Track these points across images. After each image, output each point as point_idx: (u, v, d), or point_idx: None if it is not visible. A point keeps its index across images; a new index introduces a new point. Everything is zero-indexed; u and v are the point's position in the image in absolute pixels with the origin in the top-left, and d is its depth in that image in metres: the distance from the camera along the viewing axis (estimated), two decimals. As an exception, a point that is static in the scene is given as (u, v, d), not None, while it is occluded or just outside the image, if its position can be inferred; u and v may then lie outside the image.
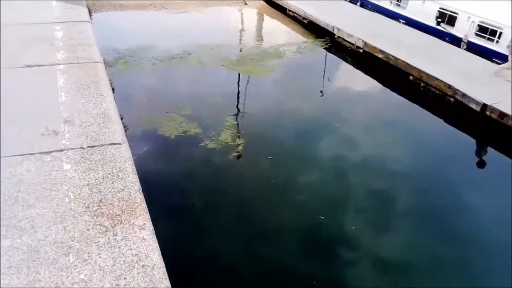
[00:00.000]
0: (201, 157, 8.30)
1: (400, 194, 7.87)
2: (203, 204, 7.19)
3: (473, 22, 13.91)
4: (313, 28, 16.36)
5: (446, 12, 15.02)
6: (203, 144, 8.62)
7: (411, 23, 15.98)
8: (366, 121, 10.27)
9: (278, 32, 16.84)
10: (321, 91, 11.90)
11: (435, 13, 15.39)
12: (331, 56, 14.62)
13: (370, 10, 17.84)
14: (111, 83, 7.09)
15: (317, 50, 14.79)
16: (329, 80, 12.71)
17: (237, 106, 10.52)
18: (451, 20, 14.87)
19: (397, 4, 17.11)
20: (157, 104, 10.06)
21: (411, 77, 12.12)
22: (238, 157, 8.41)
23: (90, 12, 10.02)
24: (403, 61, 12.35)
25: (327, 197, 7.57)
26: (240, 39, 15.55)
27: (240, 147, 8.66)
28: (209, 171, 7.99)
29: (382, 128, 10.13)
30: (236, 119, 9.72)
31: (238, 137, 8.98)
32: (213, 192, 7.46)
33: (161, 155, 8.33)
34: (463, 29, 14.25)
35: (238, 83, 11.81)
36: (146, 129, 8.98)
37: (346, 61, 14.21)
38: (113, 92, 6.93)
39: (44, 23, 9.22)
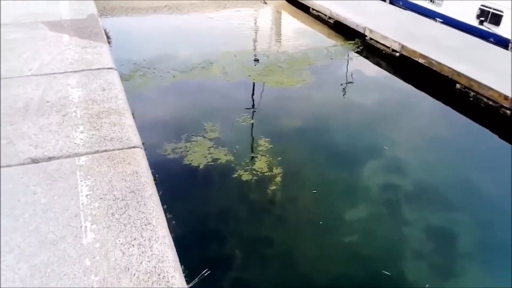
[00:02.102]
0: (236, 195, 7.24)
1: (468, 230, 6.78)
2: (246, 259, 6.12)
3: (522, 21, 12.58)
4: (340, 29, 15.13)
5: (489, 9, 13.68)
6: (236, 175, 7.57)
7: (449, 22, 14.64)
8: (416, 141, 9.10)
9: (303, 34, 15.64)
10: (361, 105, 10.69)
11: (475, 11, 14.07)
12: (364, 61, 13.40)
13: (401, 8, 16.52)
14: (154, 177, 4.43)
15: (348, 54, 13.59)
16: (366, 91, 11.51)
17: (269, 125, 9.37)
18: (495, 18, 13.53)
19: (431, 0, 15.76)
20: (181, 126, 8.99)
21: (458, 85, 10.89)
22: (278, 191, 7.32)
23: (108, 41, 7.71)
24: (449, 68, 11.11)
25: (389, 241, 6.47)
26: (264, 44, 14.37)
27: (279, 178, 7.58)
28: (246, 213, 6.93)
29: (434, 150, 8.94)
30: (270, 141, 8.60)
31: (275, 165, 7.89)
32: (255, 243, 6.37)
33: (192, 202, 7.18)
34: (510, 29, 12.92)
35: (268, 97, 10.67)
36: (172, 158, 7.94)
37: (382, 67, 12.98)
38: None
39: (53, 74, 6.07)
